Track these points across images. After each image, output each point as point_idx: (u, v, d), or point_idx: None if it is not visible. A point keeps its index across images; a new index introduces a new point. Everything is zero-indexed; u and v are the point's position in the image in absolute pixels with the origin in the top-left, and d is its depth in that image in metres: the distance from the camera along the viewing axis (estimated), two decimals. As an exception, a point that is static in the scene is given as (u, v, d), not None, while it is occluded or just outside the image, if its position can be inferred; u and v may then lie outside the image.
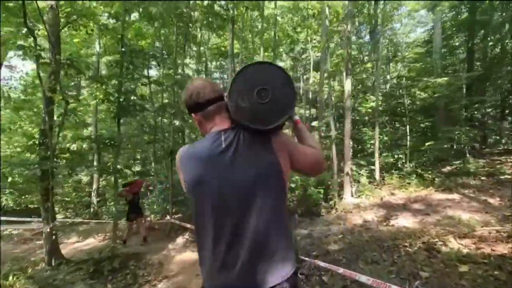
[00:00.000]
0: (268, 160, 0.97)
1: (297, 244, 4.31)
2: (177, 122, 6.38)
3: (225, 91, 1.05)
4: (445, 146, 7.52)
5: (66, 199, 10.43)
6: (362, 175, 7.76)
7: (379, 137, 11.55)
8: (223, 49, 18.47)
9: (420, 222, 5.22)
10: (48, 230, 4.98)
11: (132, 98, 5.14)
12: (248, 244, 0.91)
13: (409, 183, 7.49)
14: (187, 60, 15.52)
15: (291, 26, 17.47)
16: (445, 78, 7.87)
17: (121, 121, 11.35)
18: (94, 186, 9.99)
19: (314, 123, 16.56)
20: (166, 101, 6.86)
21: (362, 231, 5.25)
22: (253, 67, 0.98)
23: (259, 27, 16.36)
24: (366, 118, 12.69)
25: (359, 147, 13.11)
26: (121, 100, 5.19)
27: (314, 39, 16.07)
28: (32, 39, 4.33)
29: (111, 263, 4.93)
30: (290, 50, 18.79)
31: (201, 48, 16.69)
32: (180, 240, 6.36)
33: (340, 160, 7.91)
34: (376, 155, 8.63)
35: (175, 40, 9.53)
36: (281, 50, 18.89)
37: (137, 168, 13.64)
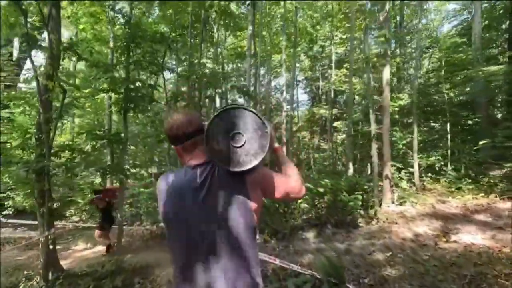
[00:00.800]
0: (238, 196, 0.96)
1: (342, 266, 3.27)
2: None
3: (205, 123, 1.06)
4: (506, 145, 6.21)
5: (80, 201, 9.85)
6: (402, 178, 6.58)
7: (411, 137, 10.29)
8: (239, 49, 17.75)
9: (494, 238, 4.03)
10: (43, 239, 4.23)
11: (138, 84, 4.34)
12: (213, 279, 0.90)
13: (459, 189, 6.23)
14: (204, 60, 14.85)
15: (311, 24, 16.45)
16: (501, 66, 6.57)
17: (137, 120, 10.82)
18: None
19: (337, 124, 15.42)
20: (183, 89, 5.95)
21: (416, 248, 4.13)
22: (229, 111, 0.98)
23: (278, 24, 15.52)
24: (397, 116, 11.41)
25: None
26: (128, 88, 4.40)
27: (336, 35, 14.98)
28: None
29: (113, 279, 4.08)
30: (309, 49, 17.73)
31: (218, 49, 16.04)
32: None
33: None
34: (415, 156, 7.41)
35: (190, 38, 8.85)
36: (299, 49, 17.87)
37: (154, 170, 13.05)
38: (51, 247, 4.35)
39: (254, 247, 0.98)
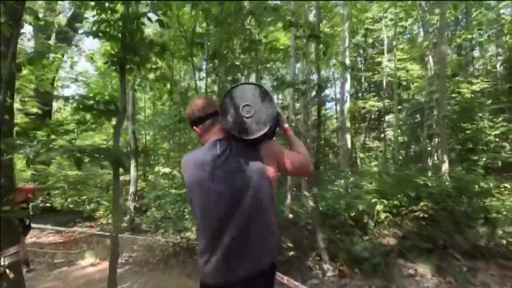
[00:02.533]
0: (255, 164, 1.04)
1: None
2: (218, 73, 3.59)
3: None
4: None
5: (105, 203, 8.54)
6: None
7: (505, 126, 7.52)
8: (274, 43, 15.86)
9: None
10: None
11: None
12: (233, 235, 0.97)
13: None
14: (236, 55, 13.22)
15: (356, 10, 14.07)
16: None
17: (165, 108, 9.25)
18: (131, 189, 7.85)
19: (389, 117, 12.72)
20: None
21: None
22: (239, 87, 1.08)
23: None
24: (478, 103, 8.59)
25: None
26: (127, 28, 2.69)
27: (385, 17, 12.44)
28: None
29: None
30: (352, 37, 15.22)
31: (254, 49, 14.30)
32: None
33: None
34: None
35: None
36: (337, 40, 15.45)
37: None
38: (11, 276, 2.72)
39: (270, 208, 1.06)
